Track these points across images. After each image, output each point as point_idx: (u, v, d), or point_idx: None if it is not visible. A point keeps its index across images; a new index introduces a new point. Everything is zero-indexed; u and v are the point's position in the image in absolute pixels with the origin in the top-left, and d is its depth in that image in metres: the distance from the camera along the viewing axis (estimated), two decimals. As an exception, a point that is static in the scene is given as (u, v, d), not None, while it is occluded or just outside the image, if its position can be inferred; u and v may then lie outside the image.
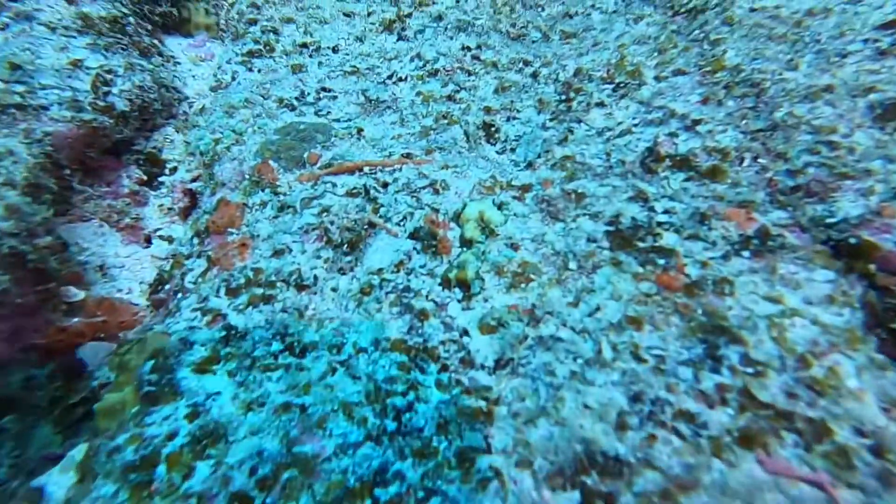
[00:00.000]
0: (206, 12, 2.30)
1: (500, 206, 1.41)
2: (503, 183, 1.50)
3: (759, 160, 1.47)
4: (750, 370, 0.87)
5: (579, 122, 1.77)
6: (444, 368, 1.01)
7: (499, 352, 1.05)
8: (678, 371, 0.90)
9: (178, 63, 2.11)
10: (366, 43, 2.33)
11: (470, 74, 2.11)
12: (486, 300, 1.19)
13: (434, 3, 2.57)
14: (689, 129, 1.60)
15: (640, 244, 1.25)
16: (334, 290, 1.20)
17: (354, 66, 2.11)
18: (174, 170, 1.64)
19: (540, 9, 2.77)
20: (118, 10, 1.91)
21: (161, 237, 1.52)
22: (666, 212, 1.33)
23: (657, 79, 1.89)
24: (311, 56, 2.23)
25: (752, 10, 2.04)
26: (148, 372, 0.93)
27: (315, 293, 1.19)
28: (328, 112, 1.83)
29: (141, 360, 0.95)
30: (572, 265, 1.24)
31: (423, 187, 1.48)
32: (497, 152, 1.79)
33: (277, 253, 1.27)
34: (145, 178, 1.59)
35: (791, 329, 0.93)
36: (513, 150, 1.78)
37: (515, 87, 2.04)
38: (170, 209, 1.57)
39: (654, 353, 0.95)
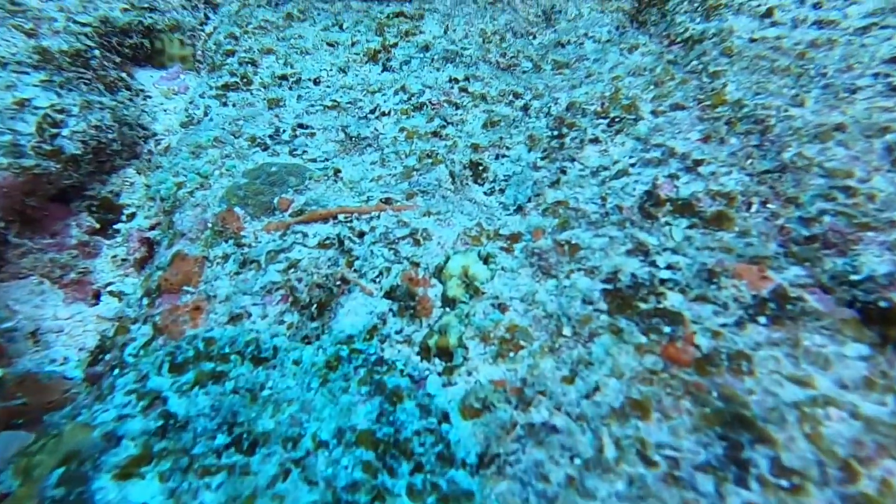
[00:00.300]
0: (182, 43, 2.20)
1: (486, 260, 1.28)
2: (490, 232, 1.37)
3: (768, 205, 1.35)
4: (784, 483, 0.73)
5: (572, 160, 1.65)
6: (419, 468, 0.85)
7: (483, 444, 0.89)
8: (696, 481, 0.75)
9: (149, 97, 1.99)
10: (349, 74, 2.24)
11: (457, 108, 2.00)
12: (469, 373, 1.05)
13: (421, 32, 2.49)
14: (690, 171, 1.49)
15: (642, 305, 1.11)
16: (297, 363, 1.05)
17: (335, 101, 2.00)
18: (132, 216, 1.50)
19: (531, 37, 2.70)
20: (82, 44, 1.80)
21: (111, 293, 1.36)
22: (669, 267, 1.19)
23: (654, 113, 1.79)
24: (290, 88, 2.12)
25: (752, 40, 1.95)
26: (54, 484, 0.77)
27: (274, 367, 1.04)
28: (304, 151, 1.71)
29: (50, 464, 0.79)
30: (567, 331, 1.09)
31: (403, 237, 1.34)
32: (485, 193, 1.67)
33: (234, 318, 1.13)
34: (98, 226, 1.45)
35: (827, 423, 0.78)
36: (502, 191, 1.65)
37: (505, 121, 1.94)
38: (124, 260, 1.42)
39: (665, 452, 0.80)
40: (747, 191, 1.39)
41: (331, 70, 2.25)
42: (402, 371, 1.03)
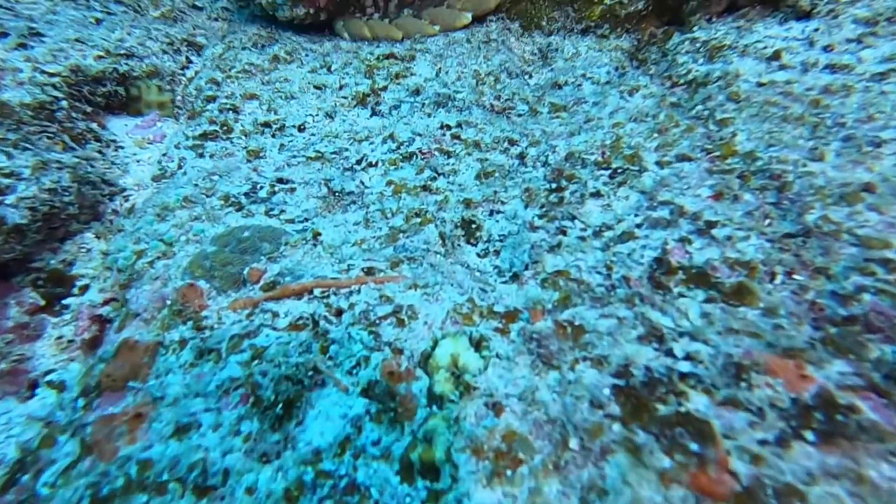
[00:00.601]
0: (160, 89, 2.09)
1: (478, 345, 1.12)
2: (483, 309, 1.21)
3: (794, 276, 1.20)
4: None
5: (573, 218, 1.51)
6: None
7: None
8: None
9: (121, 147, 1.87)
10: (336, 120, 2.12)
11: (449, 157, 1.88)
12: (458, 502, 0.87)
13: (412, 74, 2.40)
14: (703, 234, 1.34)
15: (661, 409, 0.95)
16: (250, 491, 0.88)
17: (319, 152, 1.87)
18: (85, 289, 1.34)
19: (527, 77, 2.61)
20: (48, 95, 1.69)
21: (50, 384, 1.19)
22: (688, 357, 1.04)
23: (659, 164, 1.66)
24: (273, 136, 2.01)
25: (760, 84, 1.84)
26: None
27: (222, 499, 0.87)
28: (282, 210, 1.57)
29: None
30: (573, 443, 0.93)
31: (385, 317, 1.19)
32: (478, 255, 1.52)
33: (181, 430, 0.96)
34: (43, 302, 1.29)
35: None
36: (497, 252, 1.51)
37: (500, 171, 1.81)
38: (70, 342, 1.26)
39: None
40: (769, 259, 1.24)
41: (317, 115, 2.15)
42: (377, 502, 0.85)
